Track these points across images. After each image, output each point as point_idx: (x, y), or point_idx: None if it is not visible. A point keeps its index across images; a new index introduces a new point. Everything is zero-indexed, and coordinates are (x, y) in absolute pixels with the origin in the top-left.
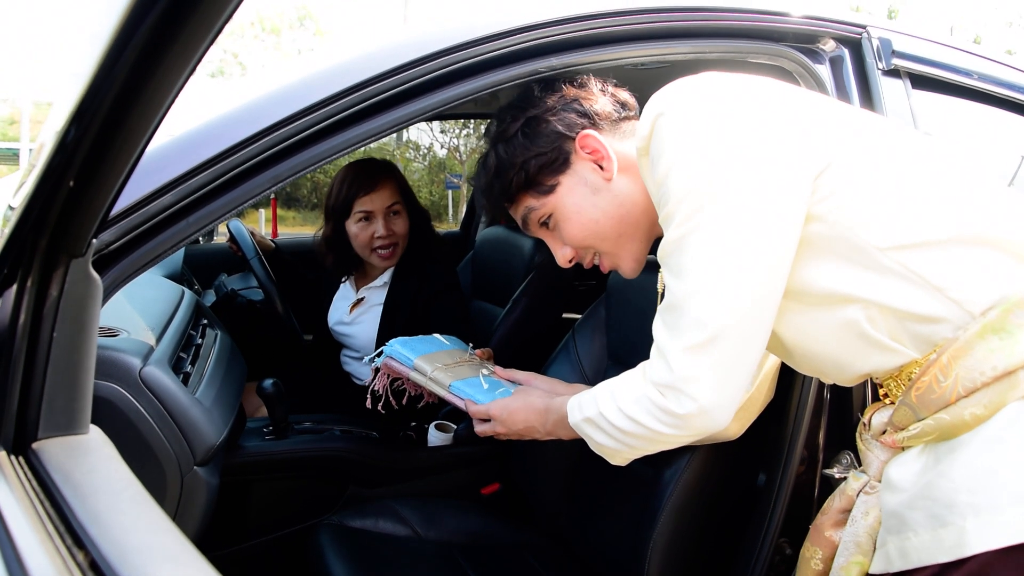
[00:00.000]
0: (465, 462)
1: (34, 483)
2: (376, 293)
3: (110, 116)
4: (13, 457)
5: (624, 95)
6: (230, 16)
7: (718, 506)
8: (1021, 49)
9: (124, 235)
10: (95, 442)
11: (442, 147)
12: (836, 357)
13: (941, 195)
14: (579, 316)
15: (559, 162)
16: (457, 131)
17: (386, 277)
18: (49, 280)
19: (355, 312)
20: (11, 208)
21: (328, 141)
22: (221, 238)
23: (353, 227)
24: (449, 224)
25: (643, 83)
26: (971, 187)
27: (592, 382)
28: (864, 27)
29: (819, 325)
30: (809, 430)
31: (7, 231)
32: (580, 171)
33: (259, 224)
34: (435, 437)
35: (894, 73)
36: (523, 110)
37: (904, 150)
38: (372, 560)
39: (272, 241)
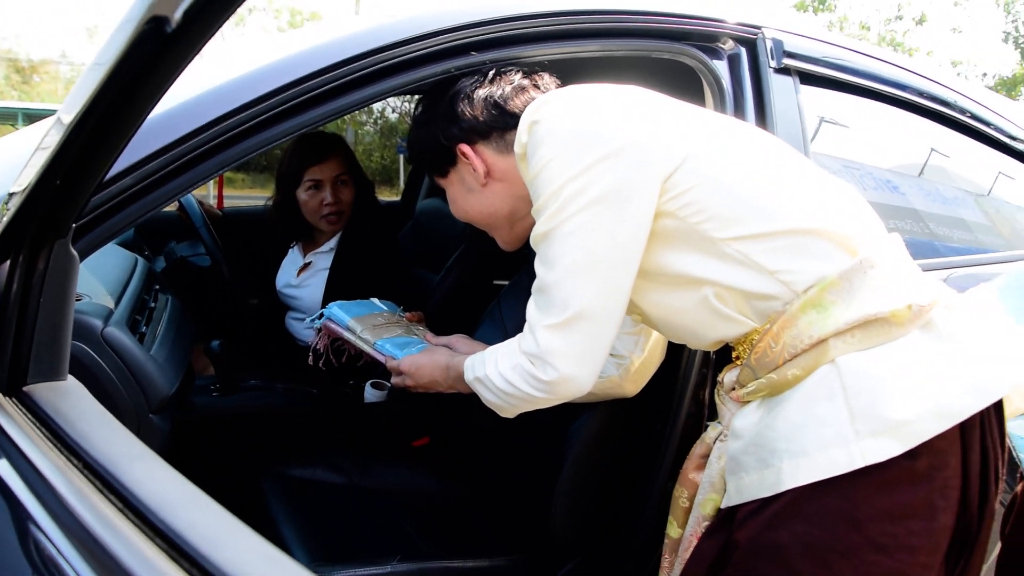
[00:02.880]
0: (398, 417)
1: (29, 415)
2: (323, 258)
3: (99, 127)
4: (8, 398)
5: (517, 105)
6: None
7: (617, 455)
8: (966, 28)
9: (90, 213)
10: (73, 386)
11: (393, 111)
12: (692, 328)
13: (775, 193)
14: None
15: (447, 159)
16: (408, 95)
17: (332, 243)
18: (37, 256)
19: (303, 275)
20: (10, 195)
21: (271, 130)
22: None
23: (303, 195)
24: (401, 188)
25: (560, 75)
26: (801, 185)
27: None
28: (759, 28)
29: (676, 302)
30: (695, 387)
31: (6, 219)
32: (461, 170)
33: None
34: (371, 394)
35: (784, 71)
36: (424, 108)
37: (748, 154)
38: (311, 505)
39: (219, 211)
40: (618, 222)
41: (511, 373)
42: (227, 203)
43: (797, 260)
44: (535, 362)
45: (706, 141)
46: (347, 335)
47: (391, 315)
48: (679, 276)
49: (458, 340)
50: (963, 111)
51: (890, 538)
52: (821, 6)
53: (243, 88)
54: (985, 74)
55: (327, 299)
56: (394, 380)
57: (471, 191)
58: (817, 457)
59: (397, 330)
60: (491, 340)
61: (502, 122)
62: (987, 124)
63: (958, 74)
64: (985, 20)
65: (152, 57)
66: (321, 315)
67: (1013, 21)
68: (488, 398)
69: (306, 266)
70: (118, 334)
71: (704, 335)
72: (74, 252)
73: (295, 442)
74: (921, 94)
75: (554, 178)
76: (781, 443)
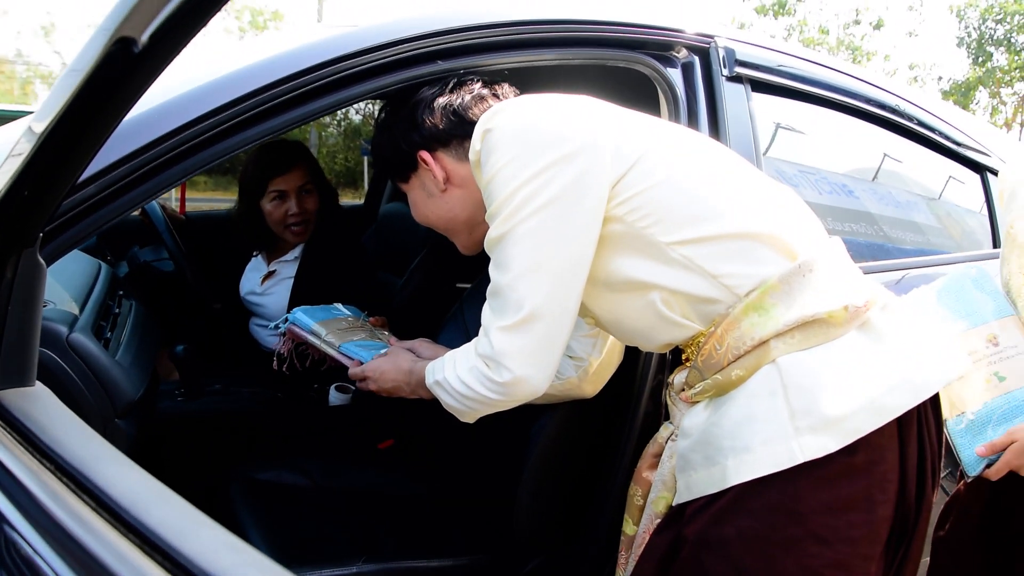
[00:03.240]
0: (362, 419)
1: (1, 420)
2: (287, 266)
3: (66, 141)
4: None
5: (476, 114)
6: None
7: (577, 454)
8: (922, 33)
9: (56, 220)
10: (42, 391)
11: (357, 113)
12: (641, 331)
13: (717, 199)
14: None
15: (408, 165)
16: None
17: (297, 252)
18: (4, 265)
19: (267, 283)
20: None
21: (236, 136)
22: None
23: (268, 205)
24: (365, 189)
25: (518, 83)
26: (744, 192)
27: None
28: (712, 37)
29: (625, 306)
30: (653, 388)
31: None
32: (422, 176)
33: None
34: (335, 397)
35: (736, 79)
36: (386, 114)
37: (694, 160)
38: (277, 508)
39: (182, 216)
40: (569, 224)
41: (467, 376)
42: (190, 205)
43: (739, 265)
44: (490, 364)
45: (654, 147)
46: (311, 339)
47: (355, 320)
48: (627, 281)
49: (422, 344)
50: (910, 118)
51: (831, 530)
52: (781, 10)
53: (208, 95)
54: (940, 78)
55: (292, 308)
56: (360, 384)
57: (431, 196)
58: (760, 453)
59: (361, 334)
60: (454, 343)
61: (461, 130)
62: (932, 130)
63: (915, 78)
64: (939, 25)
65: (119, 76)
66: (286, 320)
67: (966, 27)
68: (447, 401)
69: (270, 274)
70: (83, 340)
71: (653, 338)
72: (41, 260)
73: (260, 445)
74: (869, 101)
75: (506, 183)
76: (726, 441)
